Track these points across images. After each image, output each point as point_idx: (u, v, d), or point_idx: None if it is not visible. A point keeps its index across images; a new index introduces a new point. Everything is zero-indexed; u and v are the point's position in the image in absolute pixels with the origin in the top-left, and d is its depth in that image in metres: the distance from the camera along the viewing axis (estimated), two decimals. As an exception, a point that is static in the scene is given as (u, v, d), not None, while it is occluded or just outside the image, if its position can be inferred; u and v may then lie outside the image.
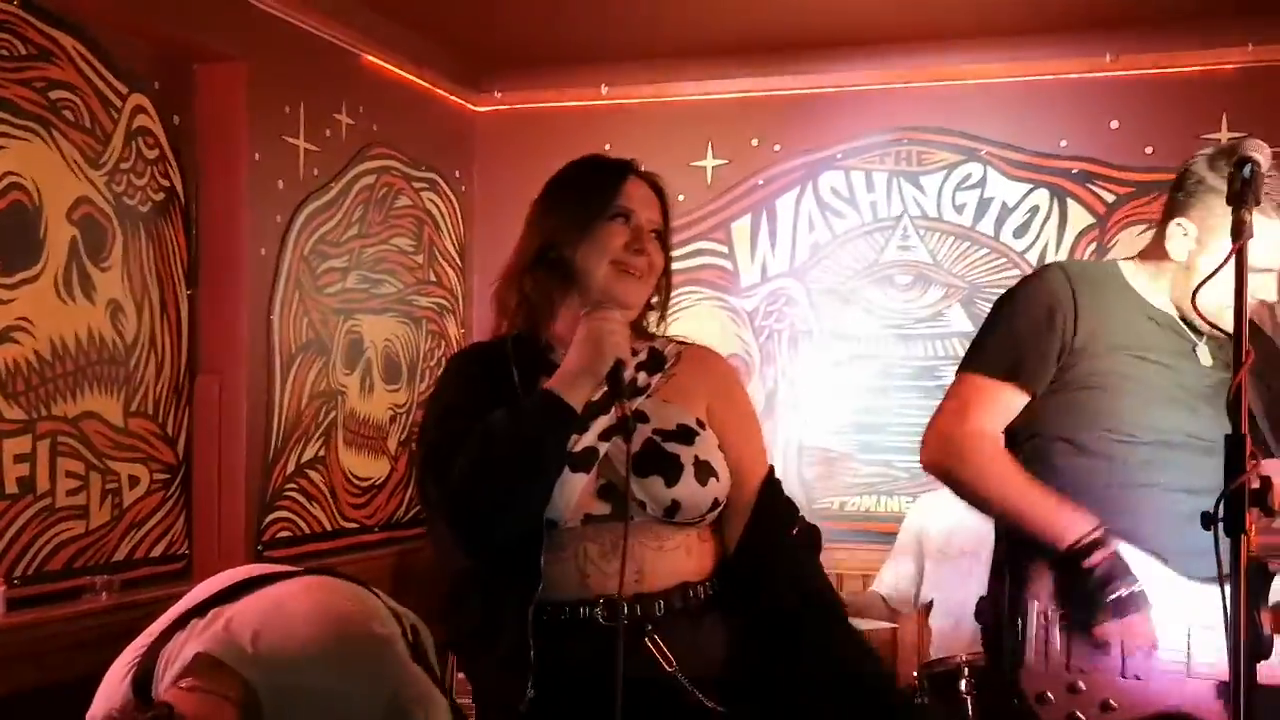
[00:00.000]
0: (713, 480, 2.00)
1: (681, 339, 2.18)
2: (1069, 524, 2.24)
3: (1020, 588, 2.30)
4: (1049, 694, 2.24)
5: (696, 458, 1.99)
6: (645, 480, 1.94)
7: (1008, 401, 2.34)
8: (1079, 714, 2.22)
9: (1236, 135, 4.21)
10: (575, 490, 1.94)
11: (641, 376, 2.06)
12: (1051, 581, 2.27)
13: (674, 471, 1.96)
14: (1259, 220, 2.12)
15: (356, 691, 1.87)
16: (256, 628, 1.86)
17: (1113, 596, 2.19)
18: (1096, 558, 2.21)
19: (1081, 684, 2.23)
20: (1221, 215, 2.16)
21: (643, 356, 2.09)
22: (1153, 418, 2.30)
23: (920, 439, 2.40)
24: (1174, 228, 2.36)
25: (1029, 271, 4.59)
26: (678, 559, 1.98)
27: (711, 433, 2.05)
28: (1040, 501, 2.27)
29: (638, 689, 1.85)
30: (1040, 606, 2.27)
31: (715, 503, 2.01)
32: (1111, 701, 2.22)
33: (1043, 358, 2.32)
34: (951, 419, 2.35)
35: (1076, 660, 2.24)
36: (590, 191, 2.06)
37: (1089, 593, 2.20)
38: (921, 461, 2.38)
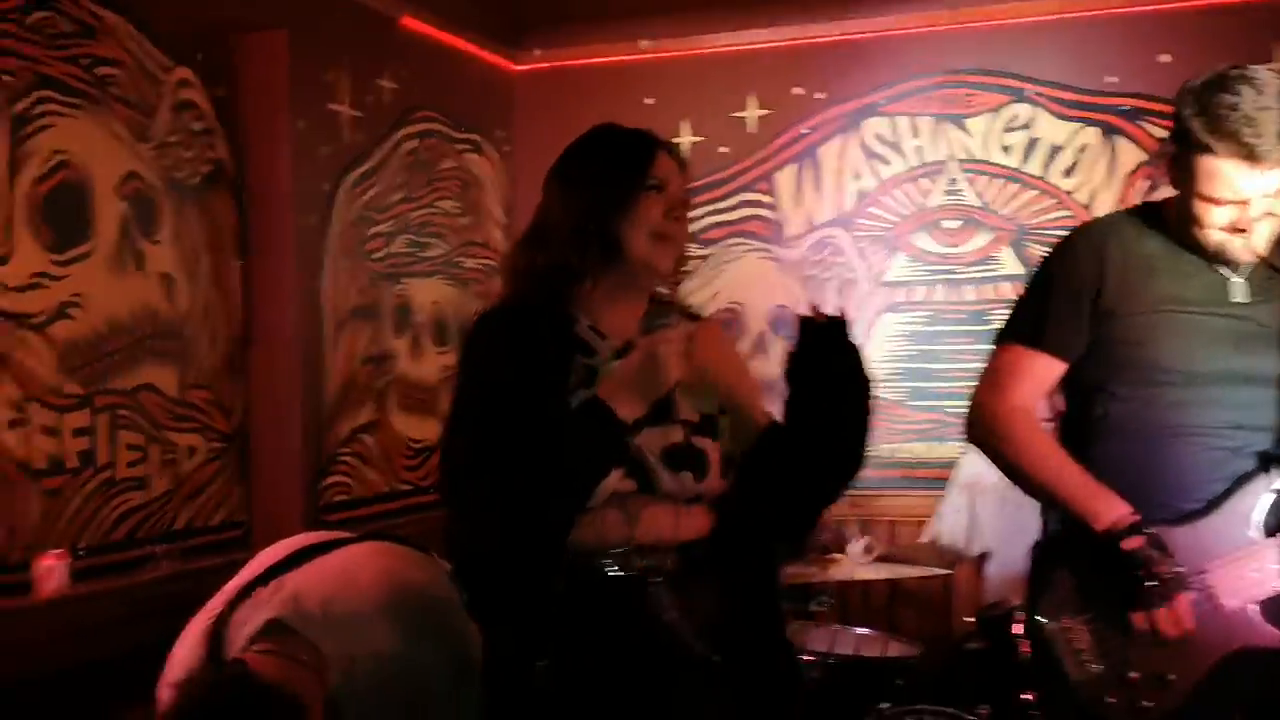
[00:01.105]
0: (732, 473, 2.10)
1: (693, 310, 2.22)
2: (1105, 507, 2.22)
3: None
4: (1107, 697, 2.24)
5: (720, 451, 2.09)
6: (678, 475, 2.04)
7: (1044, 370, 2.34)
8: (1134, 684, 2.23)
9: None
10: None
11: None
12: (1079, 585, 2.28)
13: (702, 468, 2.06)
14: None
15: (424, 655, 1.88)
16: (325, 594, 1.87)
17: (1152, 581, 2.17)
18: (1133, 541, 2.18)
19: (1132, 674, 2.22)
20: (1217, 152, 2.16)
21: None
22: (1193, 360, 2.26)
23: (970, 387, 2.39)
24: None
25: (1079, 210, 4.60)
26: (686, 520, 2.06)
27: (728, 416, 2.12)
28: (1077, 483, 2.26)
29: (641, 639, 1.97)
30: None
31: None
32: (1168, 676, 2.21)
33: (1076, 324, 2.31)
34: (991, 393, 2.35)
35: (1120, 649, 2.23)
36: (625, 165, 2.08)
37: (1127, 577, 2.18)
38: (966, 434, 2.39)
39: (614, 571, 2.00)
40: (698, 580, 2.04)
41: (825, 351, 1.99)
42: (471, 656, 1.93)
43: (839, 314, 1.99)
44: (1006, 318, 2.43)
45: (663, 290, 2.17)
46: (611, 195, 2.05)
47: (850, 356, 2.01)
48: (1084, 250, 2.33)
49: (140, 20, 3.46)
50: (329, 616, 1.84)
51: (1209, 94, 2.20)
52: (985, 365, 2.40)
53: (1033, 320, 2.35)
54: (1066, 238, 2.43)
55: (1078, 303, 2.30)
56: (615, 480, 1.99)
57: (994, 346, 2.41)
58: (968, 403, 2.39)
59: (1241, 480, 2.23)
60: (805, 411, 2.01)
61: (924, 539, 4.17)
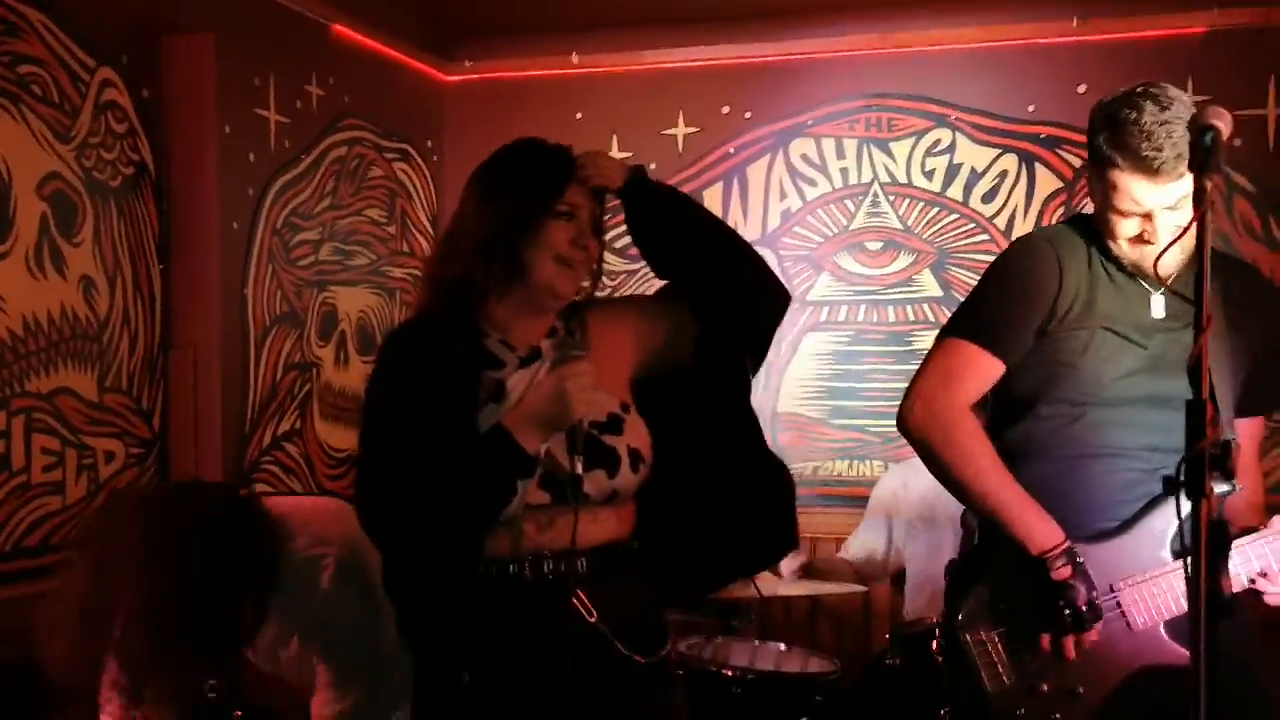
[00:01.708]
0: (642, 466, 2.12)
1: (585, 300, 2.23)
2: (1042, 532, 2.25)
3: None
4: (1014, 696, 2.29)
5: (629, 446, 2.11)
6: (589, 474, 2.05)
7: (988, 372, 2.35)
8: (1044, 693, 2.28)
9: (1201, 98, 4.23)
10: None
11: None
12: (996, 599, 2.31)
13: (613, 464, 2.08)
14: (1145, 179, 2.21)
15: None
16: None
17: (1070, 611, 2.22)
18: (1063, 570, 2.23)
19: (1044, 686, 2.28)
20: (1120, 166, 2.23)
21: (551, 340, 2.15)
22: (1117, 382, 2.31)
23: (901, 399, 2.39)
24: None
25: (998, 235, 4.70)
26: (606, 525, 2.10)
27: (635, 414, 2.15)
28: (1016, 503, 2.27)
29: (564, 643, 2.03)
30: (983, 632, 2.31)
31: (643, 483, 2.13)
32: (1078, 689, 2.27)
33: (1025, 331, 2.33)
34: (936, 386, 2.34)
35: (1031, 662, 2.29)
36: (536, 188, 2.09)
37: (1051, 603, 2.23)
38: (901, 425, 2.37)
39: (532, 579, 2.03)
40: (615, 581, 2.08)
41: (650, 205, 2.13)
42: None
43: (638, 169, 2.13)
44: (959, 311, 2.42)
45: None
46: (519, 217, 2.07)
47: (669, 198, 2.16)
48: (1045, 258, 2.33)
49: (64, 19, 3.42)
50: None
51: (1115, 109, 2.27)
52: (931, 357, 2.39)
53: (987, 320, 2.35)
54: (1027, 241, 2.43)
55: (1032, 311, 2.32)
56: (531, 492, 2.02)
57: (943, 338, 2.39)
58: (908, 391, 2.37)
59: (1154, 501, 2.29)
60: (677, 261, 2.14)
61: (842, 556, 4.22)
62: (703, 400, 2.22)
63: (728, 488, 2.20)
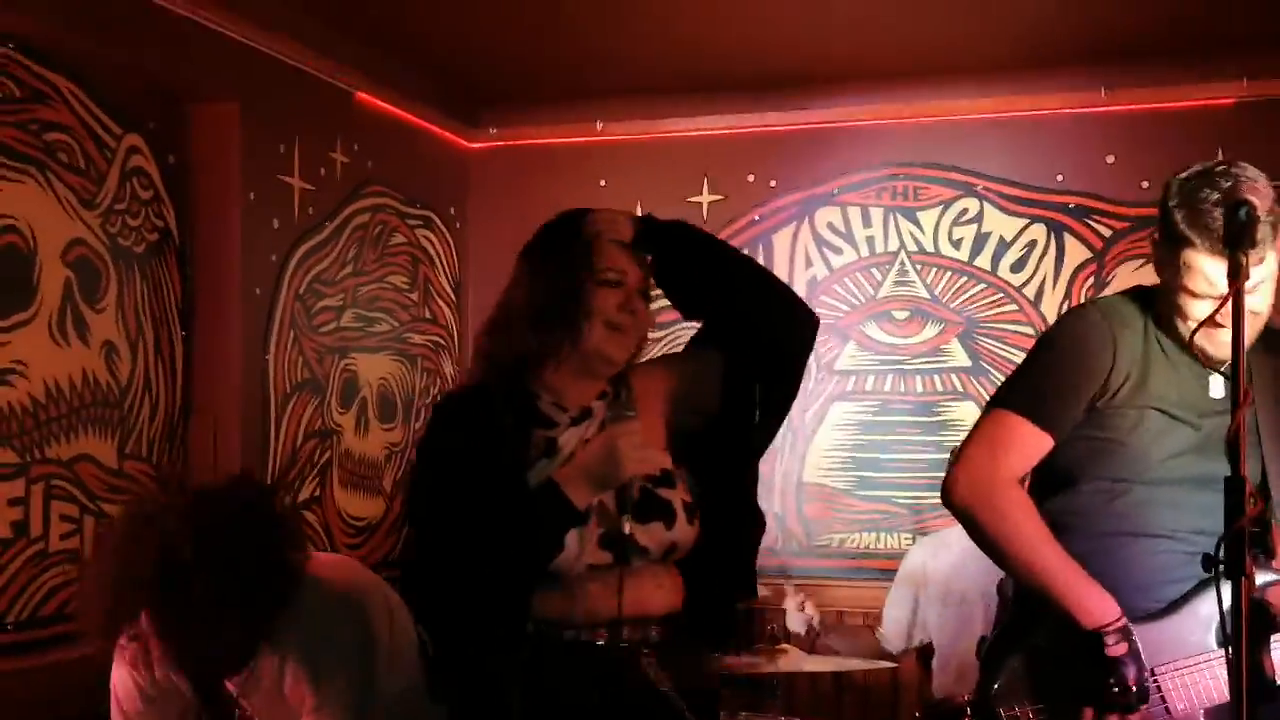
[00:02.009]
0: (696, 519, 2.18)
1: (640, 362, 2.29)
2: (1097, 606, 2.22)
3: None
4: None
5: (683, 500, 2.18)
6: (648, 526, 2.11)
7: (1037, 447, 2.32)
8: None
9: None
10: (578, 543, 2.08)
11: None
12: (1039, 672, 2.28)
13: (670, 516, 2.14)
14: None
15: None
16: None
17: (1120, 689, 2.18)
18: (1118, 648, 2.20)
19: None
20: (1197, 246, 2.19)
21: (602, 401, 2.22)
22: (1165, 463, 2.28)
23: (944, 469, 2.37)
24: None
25: (1026, 305, 4.71)
26: (666, 593, 2.16)
27: (682, 469, 2.21)
28: (1070, 574, 2.24)
29: (630, 710, 2.08)
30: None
31: (696, 538, 2.19)
32: None
33: (1076, 406, 2.30)
34: (984, 460, 2.31)
35: None
36: (581, 256, 2.16)
37: (1099, 680, 2.19)
38: (945, 496, 2.35)
39: (600, 644, 2.09)
40: (678, 648, 2.15)
41: (666, 244, 2.19)
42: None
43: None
44: (1008, 383, 2.40)
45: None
46: (567, 285, 2.14)
47: (681, 234, 2.22)
48: (1099, 332, 2.31)
49: (91, 86, 3.48)
50: None
51: (1191, 187, 2.22)
52: (977, 428, 2.36)
53: (1038, 393, 2.32)
54: (1081, 313, 2.40)
55: (1084, 386, 2.29)
56: (591, 553, 2.08)
57: (991, 409, 2.37)
58: (952, 462, 2.35)
59: (1201, 585, 2.25)
60: (701, 293, 2.18)
61: (869, 631, 4.19)
62: (726, 449, 2.25)
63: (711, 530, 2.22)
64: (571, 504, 2.04)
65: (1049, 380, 2.33)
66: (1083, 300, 4.59)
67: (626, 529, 2.07)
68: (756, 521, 2.31)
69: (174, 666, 2.15)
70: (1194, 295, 2.22)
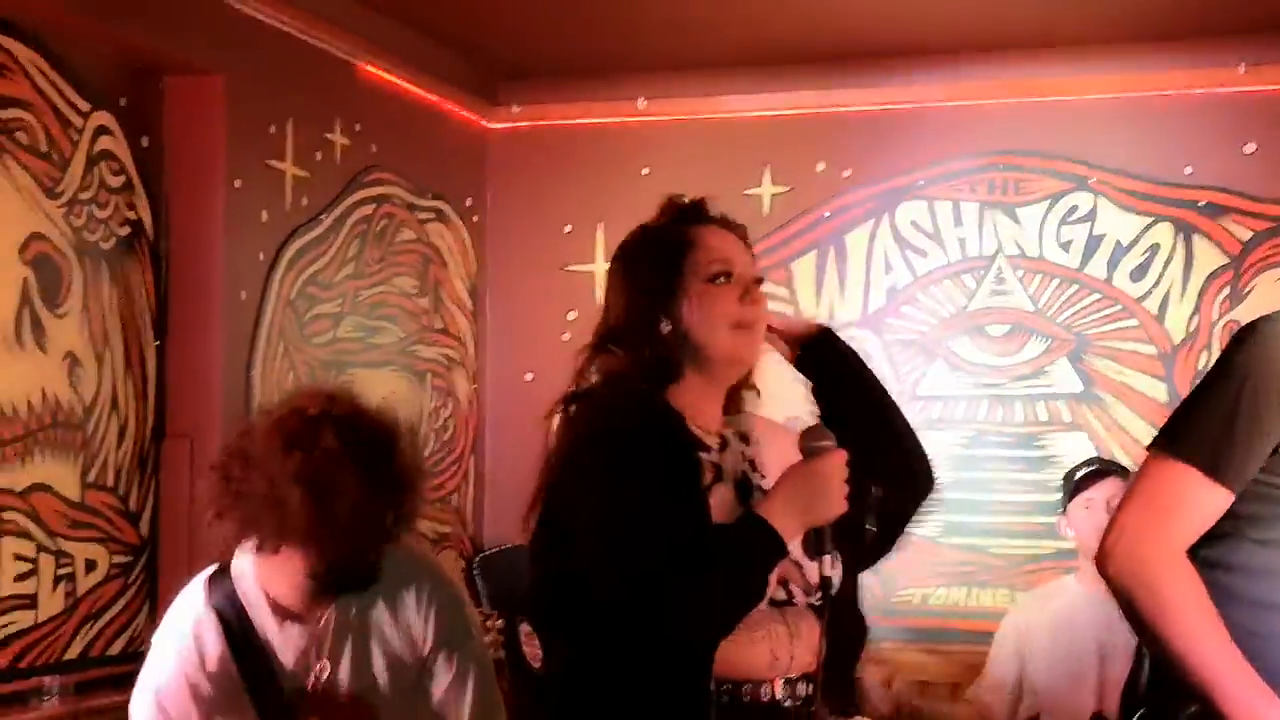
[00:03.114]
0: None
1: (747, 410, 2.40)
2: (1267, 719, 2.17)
3: None
4: None
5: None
6: (833, 565, 2.21)
7: (1214, 507, 2.25)
8: None
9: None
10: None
11: (744, 451, 2.33)
12: None
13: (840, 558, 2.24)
14: None
15: None
16: None
17: None
18: None
19: None
20: None
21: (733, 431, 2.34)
22: None
23: (1106, 537, 2.26)
24: None
25: (1148, 320, 4.70)
26: (816, 646, 2.25)
27: None
28: (1242, 687, 2.18)
29: None
30: None
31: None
32: None
33: (1262, 451, 2.23)
34: (1147, 523, 2.25)
35: None
36: (679, 254, 2.27)
37: None
38: (1101, 568, 2.28)
39: (782, 700, 2.21)
40: (838, 704, 2.28)
41: (831, 364, 2.34)
42: None
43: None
44: (1176, 422, 2.31)
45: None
46: (675, 290, 2.25)
47: (852, 358, 2.37)
48: None
49: (55, 56, 3.54)
50: None
51: None
52: (1140, 481, 2.30)
53: (1216, 440, 2.23)
54: (1264, 332, 2.29)
55: (1271, 426, 2.21)
56: (771, 585, 2.17)
57: (1155, 457, 2.29)
58: (1110, 525, 2.28)
59: None
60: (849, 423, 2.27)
61: (965, 702, 4.20)
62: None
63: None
64: (782, 540, 2.11)
65: (1227, 421, 2.23)
66: (1215, 315, 4.60)
67: (827, 569, 2.16)
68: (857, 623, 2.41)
69: (315, 565, 2.43)
70: None
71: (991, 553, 4.69)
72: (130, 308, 3.79)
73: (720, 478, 2.24)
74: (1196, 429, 2.27)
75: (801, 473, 2.16)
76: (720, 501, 2.20)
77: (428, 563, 2.72)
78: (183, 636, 2.53)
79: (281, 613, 2.52)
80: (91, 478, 3.65)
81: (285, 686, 2.52)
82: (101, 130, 3.71)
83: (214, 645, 2.51)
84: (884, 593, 4.71)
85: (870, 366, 2.43)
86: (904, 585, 4.74)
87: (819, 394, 2.36)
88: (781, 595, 2.21)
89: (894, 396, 2.42)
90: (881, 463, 2.30)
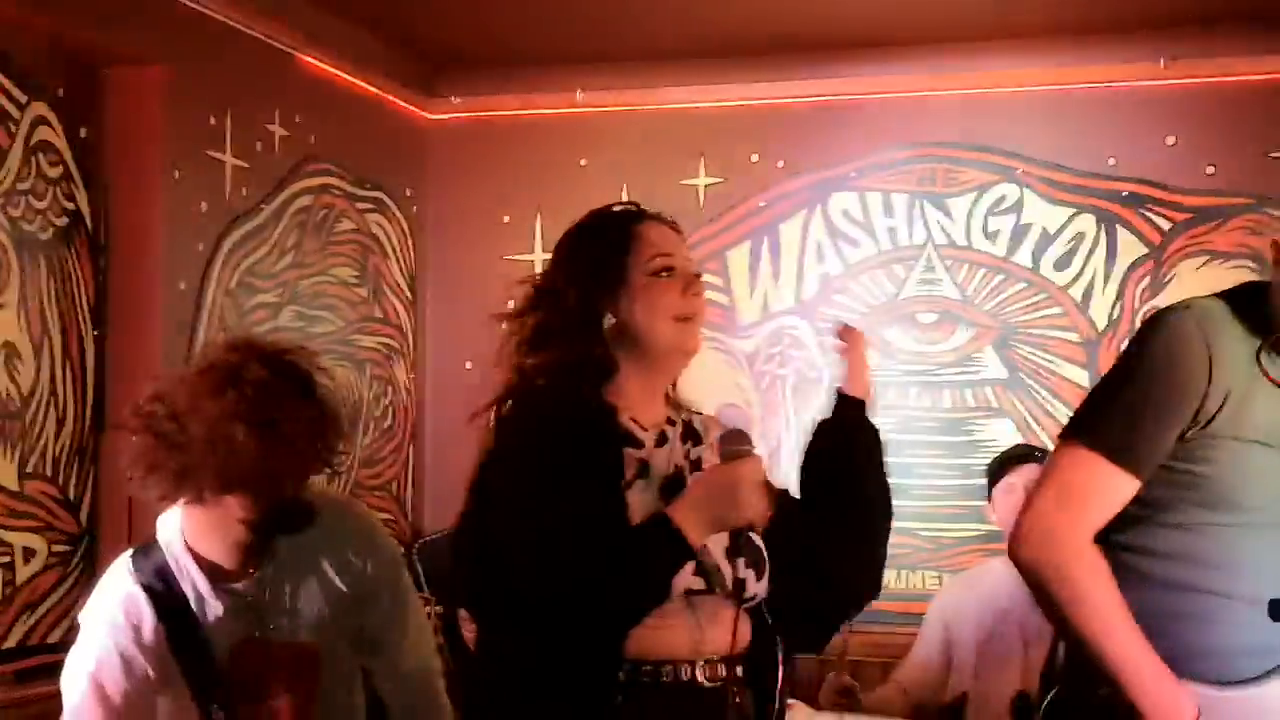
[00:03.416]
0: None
1: (694, 406, 2.42)
2: (1172, 705, 2.21)
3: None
4: None
5: (763, 548, 2.28)
6: (747, 567, 2.21)
7: (1121, 493, 2.27)
8: None
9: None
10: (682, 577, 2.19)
11: (689, 450, 2.33)
12: None
13: (761, 564, 2.26)
14: None
15: None
16: None
17: None
18: None
19: None
20: None
21: (679, 430, 2.34)
22: (1261, 495, 2.25)
23: (1018, 524, 2.31)
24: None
25: (1072, 308, 4.75)
26: (745, 629, 2.28)
27: None
28: (1146, 669, 2.22)
29: None
30: None
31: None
32: None
33: (1167, 440, 2.26)
34: (1055, 511, 2.27)
35: None
36: (621, 248, 2.30)
37: None
38: (1012, 553, 2.32)
39: (702, 682, 2.22)
40: (760, 687, 2.29)
41: (849, 428, 2.35)
42: None
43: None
44: (1084, 411, 2.34)
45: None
46: (618, 283, 2.27)
47: (870, 433, 2.38)
48: (1193, 349, 2.23)
49: (-8, 47, 3.52)
50: None
51: None
52: (1051, 468, 2.33)
53: (1123, 427, 2.26)
54: (1169, 323, 2.30)
55: (1176, 415, 2.24)
56: (686, 576, 2.17)
57: (1064, 444, 2.32)
58: (1022, 510, 2.32)
59: None
60: (829, 490, 2.32)
61: (893, 683, 4.24)
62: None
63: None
64: (689, 543, 2.12)
65: (1133, 408, 2.26)
66: (1137, 304, 4.66)
67: (740, 572, 2.16)
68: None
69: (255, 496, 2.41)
70: None
71: (921, 536, 4.74)
72: (69, 298, 3.76)
73: (644, 474, 2.24)
74: (1104, 417, 2.29)
75: (716, 476, 2.17)
76: (640, 499, 2.20)
77: (350, 504, 2.77)
78: (113, 615, 2.50)
79: (215, 575, 2.49)
80: (30, 467, 3.62)
81: (220, 654, 2.50)
82: (39, 121, 3.68)
83: (147, 620, 2.49)
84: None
85: (883, 458, 2.41)
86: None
87: (813, 456, 2.37)
88: (699, 585, 2.21)
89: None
90: (837, 551, 2.31)
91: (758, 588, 2.26)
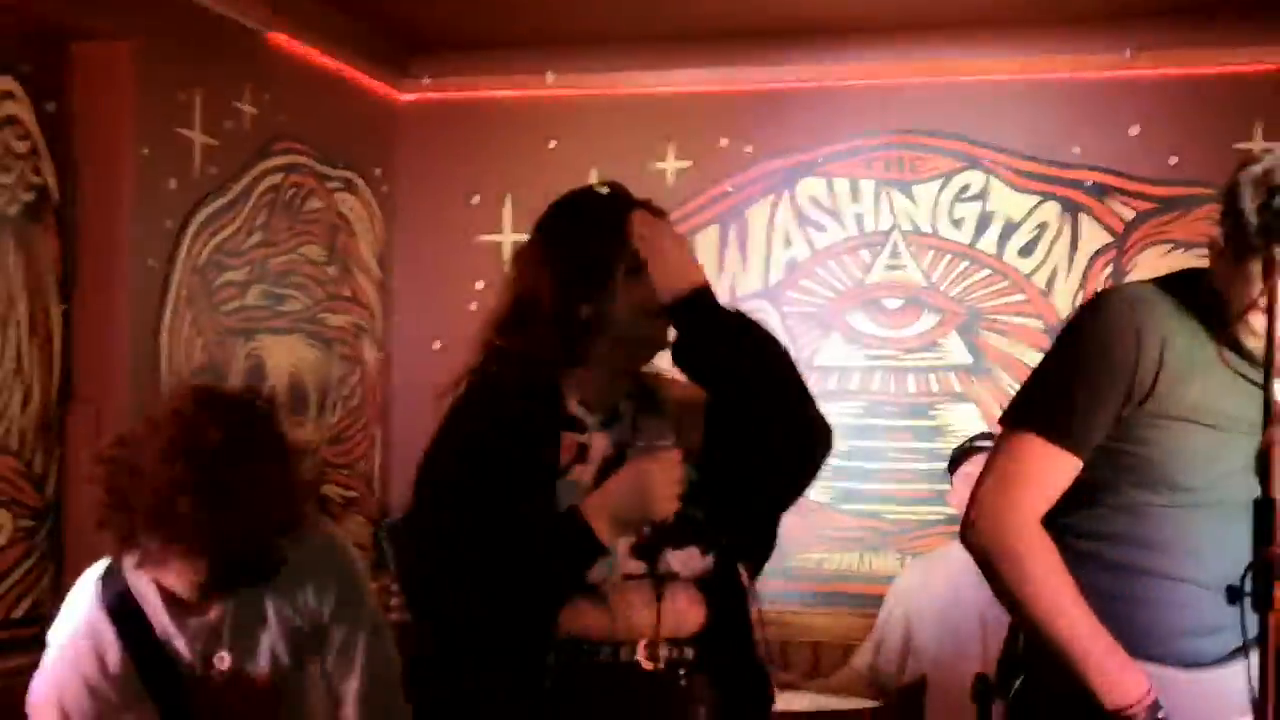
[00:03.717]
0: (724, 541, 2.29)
1: (664, 374, 2.37)
2: (1121, 683, 2.22)
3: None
4: None
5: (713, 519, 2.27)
6: (681, 552, 2.22)
7: (1062, 472, 2.30)
8: None
9: (1271, 145, 4.33)
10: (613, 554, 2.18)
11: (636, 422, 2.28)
12: None
13: (704, 540, 2.26)
14: None
15: None
16: None
17: None
18: None
19: None
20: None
21: (633, 405, 2.30)
22: (1210, 482, 2.27)
23: (967, 510, 2.35)
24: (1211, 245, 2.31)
25: (1035, 295, 4.77)
26: (699, 611, 2.27)
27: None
28: (1093, 647, 2.23)
29: None
30: None
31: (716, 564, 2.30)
32: None
33: (1103, 419, 2.28)
34: (998, 495, 2.30)
35: None
36: (609, 241, 2.25)
37: None
38: (963, 536, 2.35)
39: (643, 664, 2.19)
40: (705, 672, 2.25)
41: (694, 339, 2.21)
42: None
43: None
44: (1021, 395, 2.38)
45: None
46: (599, 277, 2.23)
47: (714, 327, 2.22)
48: (1122, 329, 2.27)
49: (-42, 21, 3.48)
50: None
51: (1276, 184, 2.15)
52: (994, 454, 2.36)
53: (1057, 407, 2.29)
54: (1099, 306, 2.36)
55: (1110, 393, 2.26)
56: (625, 562, 2.19)
57: (1005, 430, 2.35)
58: (970, 496, 2.35)
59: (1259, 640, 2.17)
60: (720, 396, 2.23)
61: (853, 665, 4.25)
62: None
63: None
64: (597, 540, 2.12)
65: (1066, 387, 2.30)
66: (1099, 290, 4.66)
67: (665, 562, 2.17)
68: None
69: (204, 559, 2.32)
70: (1264, 311, 2.13)
71: (884, 518, 4.75)
72: (35, 273, 3.72)
73: (582, 458, 2.23)
74: (1039, 398, 2.34)
75: (629, 471, 2.16)
76: (577, 483, 2.19)
77: (322, 540, 2.60)
78: (77, 639, 2.48)
79: (176, 605, 2.46)
80: (-4, 443, 3.58)
81: (186, 679, 2.49)
82: (6, 96, 3.64)
83: (111, 646, 2.46)
84: (779, 558, 4.74)
85: (756, 327, 2.29)
86: (798, 551, 4.77)
87: (684, 354, 2.25)
88: (639, 570, 2.20)
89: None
90: (762, 430, 2.24)
91: (705, 562, 2.25)
